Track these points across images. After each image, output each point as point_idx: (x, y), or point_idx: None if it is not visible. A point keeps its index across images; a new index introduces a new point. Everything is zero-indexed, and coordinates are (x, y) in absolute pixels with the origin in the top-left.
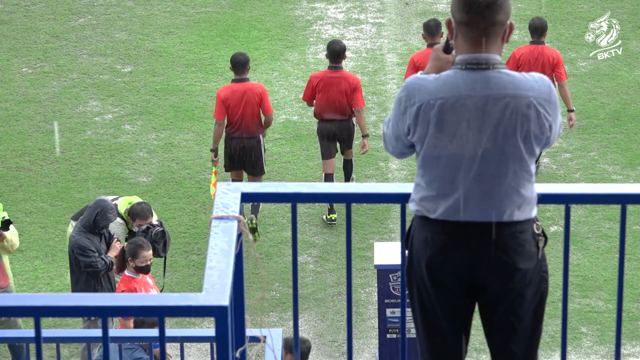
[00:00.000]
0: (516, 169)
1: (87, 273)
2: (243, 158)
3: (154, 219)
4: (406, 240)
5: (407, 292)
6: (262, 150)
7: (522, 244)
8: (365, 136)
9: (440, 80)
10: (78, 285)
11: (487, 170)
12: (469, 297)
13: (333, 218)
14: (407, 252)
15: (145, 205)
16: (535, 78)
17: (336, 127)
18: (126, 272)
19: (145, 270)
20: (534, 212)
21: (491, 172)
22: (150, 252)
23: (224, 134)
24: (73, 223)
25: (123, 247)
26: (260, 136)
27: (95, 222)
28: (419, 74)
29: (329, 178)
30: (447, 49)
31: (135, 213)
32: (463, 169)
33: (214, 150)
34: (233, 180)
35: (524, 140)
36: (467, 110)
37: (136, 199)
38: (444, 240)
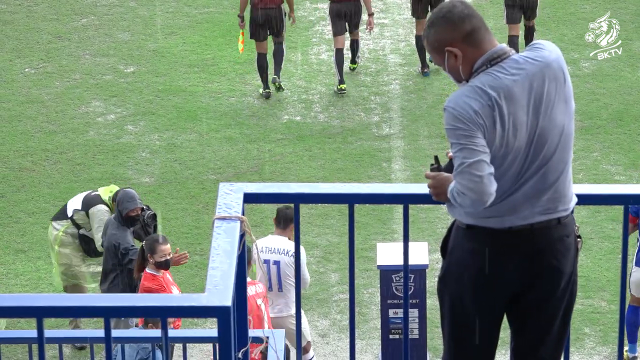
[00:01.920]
0: (565, 139)
1: (128, 269)
2: (267, 25)
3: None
4: (443, 249)
5: (408, 295)
6: (284, 18)
7: (568, 247)
8: (371, 14)
9: (478, 87)
10: (115, 281)
11: (542, 150)
12: (507, 303)
13: (343, 88)
14: (444, 262)
15: (128, 192)
16: (545, 45)
17: (347, 8)
18: (147, 270)
19: (165, 265)
20: (575, 198)
21: (547, 151)
22: (168, 246)
23: (248, 5)
24: (54, 224)
25: (142, 247)
26: (282, 6)
27: (119, 213)
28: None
29: (339, 52)
30: (439, 168)
31: (122, 200)
32: (522, 159)
33: (240, 17)
34: (258, 47)
35: (565, 104)
36: (518, 96)
37: (115, 188)
38: (493, 250)
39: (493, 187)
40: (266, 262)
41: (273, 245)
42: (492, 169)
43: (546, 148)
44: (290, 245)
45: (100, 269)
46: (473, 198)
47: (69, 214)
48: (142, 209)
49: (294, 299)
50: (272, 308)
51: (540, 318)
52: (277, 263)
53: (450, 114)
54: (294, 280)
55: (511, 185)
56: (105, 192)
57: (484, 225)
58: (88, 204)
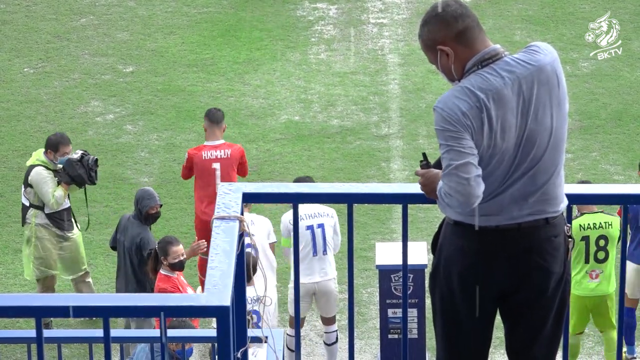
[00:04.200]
0: (556, 141)
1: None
2: None
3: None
4: (433, 245)
5: (407, 295)
6: None
7: (557, 247)
8: None
9: (467, 88)
10: (137, 280)
11: (531, 152)
12: (497, 301)
13: None
14: (434, 258)
15: (62, 133)
16: (541, 47)
17: None
18: (161, 272)
19: (179, 266)
20: (565, 200)
21: (535, 153)
22: (181, 246)
23: None
24: (26, 221)
25: (155, 250)
26: None
27: (139, 211)
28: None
29: None
30: (428, 165)
31: (57, 141)
32: (509, 161)
33: None
34: None
35: (558, 107)
36: (508, 99)
37: (41, 150)
38: (479, 248)
39: (480, 189)
40: (309, 228)
41: (312, 211)
42: (479, 171)
43: (535, 150)
44: (328, 208)
45: (68, 255)
46: (460, 200)
47: (26, 203)
48: (84, 155)
49: (333, 260)
50: (318, 272)
51: (531, 317)
52: (321, 226)
53: (439, 115)
54: (332, 242)
55: (498, 186)
56: (33, 158)
57: (471, 223)
58: (26, 178)
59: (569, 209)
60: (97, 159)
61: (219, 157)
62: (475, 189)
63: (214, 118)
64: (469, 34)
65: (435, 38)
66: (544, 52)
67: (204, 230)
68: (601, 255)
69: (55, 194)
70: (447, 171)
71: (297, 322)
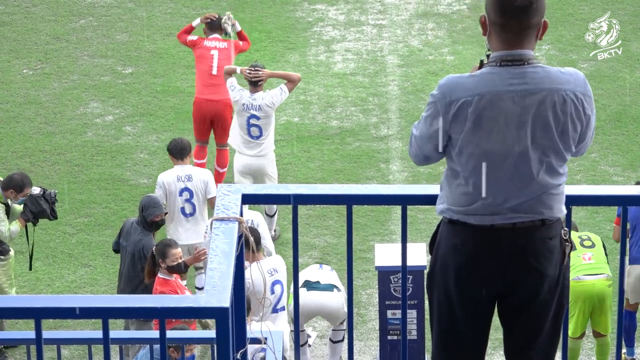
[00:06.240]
0: (552, 164)
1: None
2: None
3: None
4: (431, 245)
5: (406, 296)
6: None
7: (551, 250)
8: None
9: (477, 77)
10: (141, 286)
11: (523, 166)
12: (493, 302)
13: None
14: (431, 257)
15: (25, 173)
16: (570, 72)
17: None
18: (160, 275)
19: (177, 269)
20: (563, 211)
21: (527, 169)
22: (179, 249)
23: None
24: None
25: (152, 253)
26: None
27: (144, 218)
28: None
29: None
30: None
31: (23, 182)
32: (497, 166)
33: None
34: None
35: (561, 134)
36: (505, 105)
37: None
38: (474, 246)
39: (420, 154)
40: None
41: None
42: (423, 152)
43: (527, 166)
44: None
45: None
46: (412, 143)
47: None
48: (45, 190)
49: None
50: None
51: (527, 319)
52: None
53: (437, 88)
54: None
55: (494, 185)
56: None
57: (466, 221)
58: None
59: (568, 210)
60: (56, 193)
61: (218, 47)
62: (412, 149)
63: None
64: (504, 33)
65: (486, 10)
66: (569, 78)
67: (198, 112)
68: (587, 243)
69: (11, 228)
70: (415, 133)
71: (296, 323)
